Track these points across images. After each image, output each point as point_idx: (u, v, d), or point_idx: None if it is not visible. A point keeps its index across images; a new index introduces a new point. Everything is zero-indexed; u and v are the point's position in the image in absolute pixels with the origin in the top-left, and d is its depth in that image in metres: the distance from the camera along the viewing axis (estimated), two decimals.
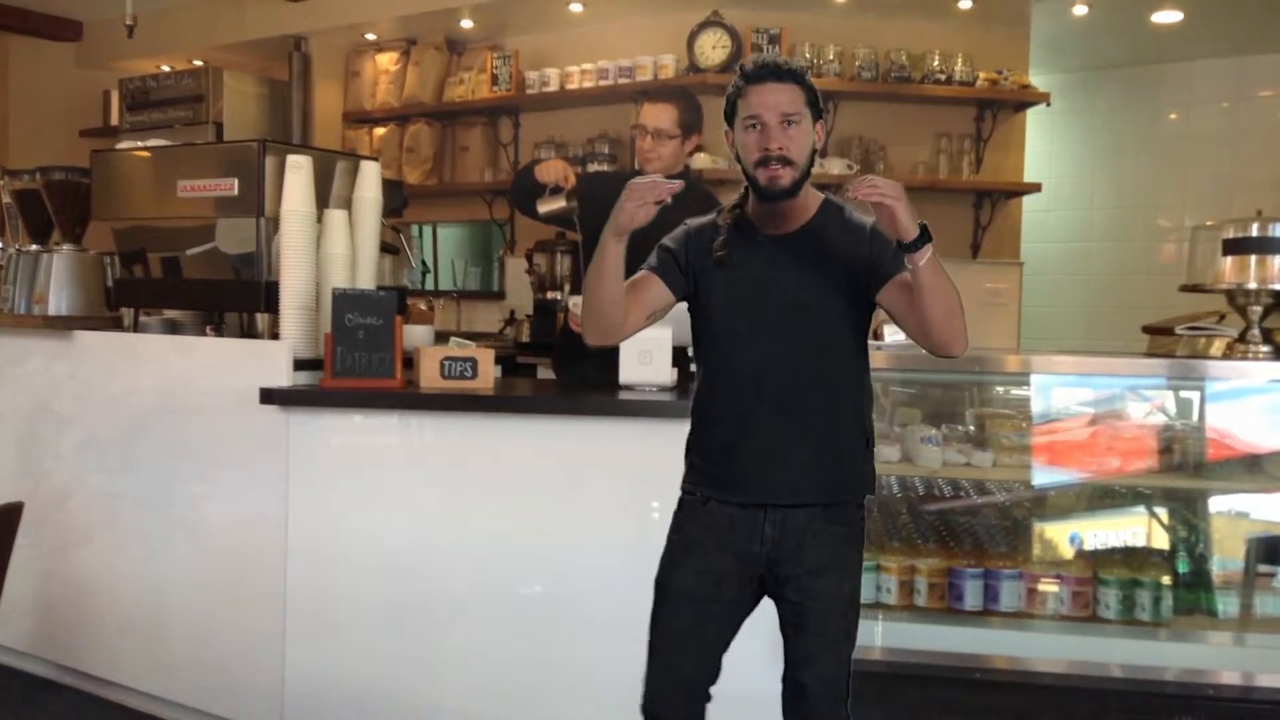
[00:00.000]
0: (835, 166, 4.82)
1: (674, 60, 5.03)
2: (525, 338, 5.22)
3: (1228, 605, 3.00)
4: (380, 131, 5.94)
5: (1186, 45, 5.45)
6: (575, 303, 2.88)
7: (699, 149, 3.89)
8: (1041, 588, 2.97)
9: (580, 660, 2.76)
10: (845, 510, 2.06)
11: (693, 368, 2.36)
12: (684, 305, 2.13)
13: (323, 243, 2.99)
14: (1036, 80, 5.18)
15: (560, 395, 3.12)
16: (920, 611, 2.95)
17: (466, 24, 5.55)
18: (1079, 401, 3.11)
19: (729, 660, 2.11)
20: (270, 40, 5.77)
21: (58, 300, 3.54)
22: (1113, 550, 3.07)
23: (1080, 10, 4.82)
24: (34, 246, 3.74)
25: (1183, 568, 3.05)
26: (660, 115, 3.15)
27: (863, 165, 4.97)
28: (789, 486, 2.02)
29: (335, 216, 3.01)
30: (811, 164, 2.00)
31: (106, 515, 3.33)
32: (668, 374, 2.84)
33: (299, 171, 2.95)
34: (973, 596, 2.94)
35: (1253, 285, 2.90)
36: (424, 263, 6.04)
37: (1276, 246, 2.89)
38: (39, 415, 3.54)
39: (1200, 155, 5.74)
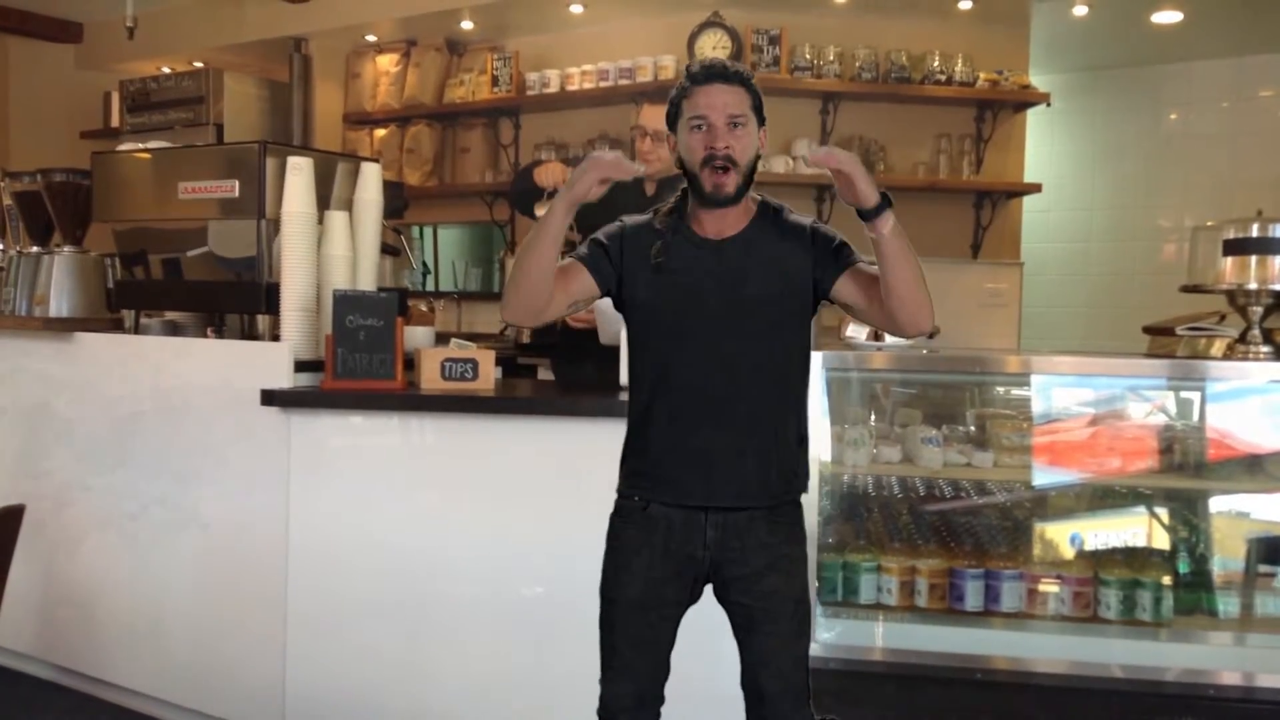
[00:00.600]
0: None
1: (674, 61, 5.03)
2: (526, 339, 5.20)
3: (1228, 605, 2.99)
4: (381, 133, 5.95)
5: (1186, 45, 5.45)
6: None
7: None
8: (1042, 588, 2.96)
9: (580, 661, 2.75)
10: (785, 509, 2.07)
11: None
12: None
13: (323, 244, 2.99)
14: (1036, 80, 5.19)
15: (560, 396, 3.12)
16: (921, 612, 2.94)
17: (467, 25, 5.55)
18: (1079, 402, 3.10)
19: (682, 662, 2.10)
20: (271, 41, 5.78)
21: (58, 302, 3.55)
22: (1113, 550, 3.06)
23: (1080, 10, 4.82)
24: (35, 248, 3.74)
25: (1183, 568, 3.04)
26: (660, 117, 3.13)
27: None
28: (729, 489, 2.01)
29: (336, 218, 3.01)
30: (755, 169, 1.99)
31: (107, 517, 3.33)
32: None
33: (300, 173, 2.95)
34: (973, 597, 2.93)
35: (1253, 285, 2.89)
36: (424, 264, 6.05)
37: (1277, 247, 2.88)
38: (40, 417, 3.54)
39: (1200, 155, 5.74)
